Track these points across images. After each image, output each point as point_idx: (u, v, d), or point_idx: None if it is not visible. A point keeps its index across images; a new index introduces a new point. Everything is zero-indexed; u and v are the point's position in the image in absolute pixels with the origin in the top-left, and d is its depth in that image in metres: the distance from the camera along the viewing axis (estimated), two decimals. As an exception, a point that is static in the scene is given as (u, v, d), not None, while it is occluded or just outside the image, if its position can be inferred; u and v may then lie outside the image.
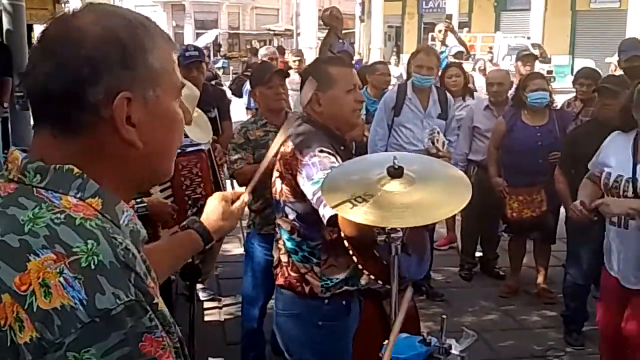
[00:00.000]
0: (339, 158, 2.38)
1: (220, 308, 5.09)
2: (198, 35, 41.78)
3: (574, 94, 5.84)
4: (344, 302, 2.56)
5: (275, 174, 2.58)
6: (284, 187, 2.52)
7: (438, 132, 2.75)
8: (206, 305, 5.11)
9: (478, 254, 6.03)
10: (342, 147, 2.56)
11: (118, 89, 0.97)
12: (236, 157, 3.87)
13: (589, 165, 3.54)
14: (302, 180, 2.37)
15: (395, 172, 1.98)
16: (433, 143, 2.61)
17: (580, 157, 4.34)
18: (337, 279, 2.51)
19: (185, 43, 41.25)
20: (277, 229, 2.67)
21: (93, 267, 0.86)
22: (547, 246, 5.41)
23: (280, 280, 2.63)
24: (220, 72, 30.07)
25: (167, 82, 1.05)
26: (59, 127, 0.99)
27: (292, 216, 2.53)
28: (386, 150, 5.21)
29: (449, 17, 10.16)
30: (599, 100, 4.45)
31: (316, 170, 2.31)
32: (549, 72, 25.21)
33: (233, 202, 1.78)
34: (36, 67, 0.99)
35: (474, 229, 5.88)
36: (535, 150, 4.97)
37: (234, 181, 4.08)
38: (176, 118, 1.09)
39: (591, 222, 4.50)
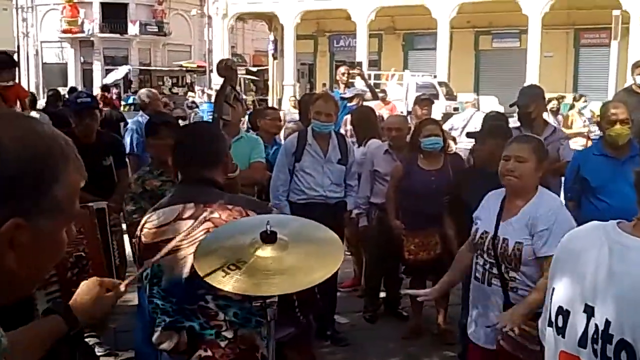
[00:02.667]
0: None
1: (117, 364, 4.90)
2: (107, 71, 41.02)
3: None
4: None
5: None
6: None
7: None
8: (102, 360, 4.90)
9: (382, 294, 6.09)
10: None
11: (12, 215, 0.94)
12: (134, 207, 3.77)
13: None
14: None
15: (268, 237, 1.95)
16: None
17: (464, 201, 4.49)
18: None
19: (95, 80, 40.65)
20: (210, 306, 2.38)
21: None
22: (446, 287, 5.51)
23: None
24: (129, 109, 29.62)
25: (65, 213, 1.03)
26: None
27: None
28: (288, 195, 5.24)
29: (360, 64, 10.46)
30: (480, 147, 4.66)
31: None
32: (455, 109, 26.15)
33: (109, 289, 1.71)
34: None
35: (377, 270, 5.94)
36: (430, 194, 5.08)
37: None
38: (59, 247, 1.06)
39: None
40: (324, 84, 25.74)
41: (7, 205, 0.94)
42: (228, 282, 1.87)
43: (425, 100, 7.13)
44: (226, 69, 4.11)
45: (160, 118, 4.48)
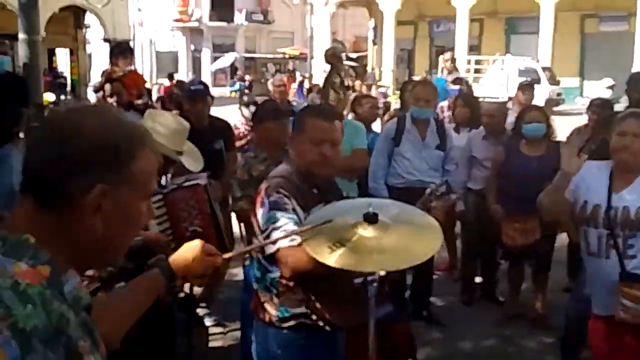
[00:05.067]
0: (293, 201, 2.55)
1: (224, 334, 5.20)
2: (215, 58, 42.43)
3: (586, 121, 6.05)
4: (304, 334, 2.64)
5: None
6: (254, 219, 2.68)
7: (439, 192, 2.94)
8: (211, 330, 5.21)
9: (478, 279, 6.14)
10: (315, 189, 2.71)
11: (99, 183, 1.17)
12: (240, 194, 4.03)
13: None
14: (259, 216, 2.58)
15: (371, 219, 2.10)
16: (430, 198, 2.80)
17: None
18: (293, 312, 2.62)
19: (203, 66, 41.97)
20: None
21: (28, 329, 1.03)
22: (544, 272, 5.51)
23: (252, 306, 2.81)
24: (237, 94, 30.55)
25: (141, 187, 1.26)
26: (40, 200, 1.18)
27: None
28: (386, 180, 5.38)
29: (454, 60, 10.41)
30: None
31: (268, 209, 2.51)
32: (559, 94, 25.36)
33: (210, 255, 1.83)
34: (40, 147, 1.20)
35: (474, 254, 6.00)
36: (531, 179, 5.05)
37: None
38: (138, 217, 1.29)
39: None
40: (426, 71, 25.33)
41: (91, 173, 1.16)
42: (333, 258, 2.03)
43: (527, 86, 7.07)
44: (333, 57, 4.29)
45: (276, 104, 4.67)
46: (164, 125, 3.66)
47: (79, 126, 1.18)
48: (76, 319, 1.13)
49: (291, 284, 2.53)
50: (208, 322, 5.27)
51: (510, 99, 17.01)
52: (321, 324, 2.53)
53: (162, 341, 3.48)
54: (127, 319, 1.64)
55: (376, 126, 6.32)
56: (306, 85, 27.36)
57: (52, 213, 1.17)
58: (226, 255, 1.92)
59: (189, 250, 1.81)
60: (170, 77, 22.80)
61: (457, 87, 7.73)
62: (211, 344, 5.02)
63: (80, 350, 1.10)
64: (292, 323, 2.62)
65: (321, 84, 5.79)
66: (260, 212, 2.58)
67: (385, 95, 14.98)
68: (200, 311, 5.27)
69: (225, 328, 5.27)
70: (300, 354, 2.66)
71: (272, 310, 2.64)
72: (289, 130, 4.33)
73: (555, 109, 21.56)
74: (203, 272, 1.82)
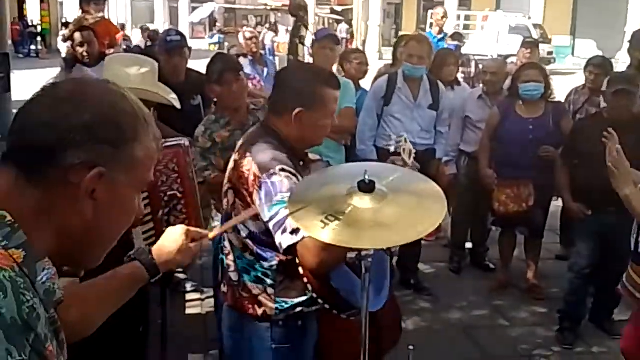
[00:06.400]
0: (300, 177, 2.19)
1: (202, 300, 4.96)
2: (193, 9, 41.29)
3: (583, 82, 5.77)
4: (299, 323, 2.37)
5: (228, 184, 2.38)
6: (238, 201, 2.30)
7: (405, 140, 2.62)
8: (188, 297, 4.99)
9: (468, 245, 5.92)
10: (301, 162, 2.37)
11: (96, 163, 1.01)
12: (204, 164, 3.67)
13: None
14: (258, 200, 2.17)
15: (367, 187, 1.81)
16: (400, 154, 2.48)
17: (584, 150, 4.19)
18: (292, 301, 2.32)
19: (180, 18, 40.87)
20: (226, 244, 2.47)
21: None
22: (537, 241, 5.28)
23: (229, 300, 2.46)
24: (216, 47, 29.77)
25: (139, 174, 1.10)
26: (25, 173, 1.00)
27: (244, 234, 2.33)
28: (375, 141, 5.08)
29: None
30: (615, 100, 4.22)
31: (276, 192, 2.12)
32: (550, 53, 25.04)
33: (194, 240, 1.69)
34: (38, 110, 1.03)
35: (464, 220, 5.77)
36: (526, 143, 4.83)
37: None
38: (131, 209, 1.13)
39: (586, 215, 4.40)
40: (421, 28, 24.62)
41: (90, 148, 1.00)
42: (327, 233, 1.74)
43: (529, 44, 6.68)
44: (297, 8, 3.95)
45: (225, 61, 4.20)
46: (134, 69, 3.33)
47: (85, 95, 1.05)
48: (46, 316, 0.97)
49: (296, 271, 2.17)
50: (187, 287, 5.04)
51: (500, 56, 16.68)
52: (327, 307, 2.22)
53: (135, 313, 3.24)
54: (102, 312, 1.50)
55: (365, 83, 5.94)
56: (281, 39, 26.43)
57: (38, 189, 1.00)
58: (212, 235, 1.79)
59: (173, 241, 1.66)
60: (122, 27, 21.02)
61: (455, 43, 7.37)
62: (188, 311, 4.86)
63: (47, 354, 0.94)
64: (291, 313, 2.33)
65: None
66: (262, 195, 2.15)
67: None
68: (178, 277, 5.03)
69: (202, 294, 5.03)
70: (295, 344, 2.37)
71: (268, 303, 2.32)
72: (246, 88, 3.94)
73: (546, 68, 21.26)
74: (189, 260, 1.71)
